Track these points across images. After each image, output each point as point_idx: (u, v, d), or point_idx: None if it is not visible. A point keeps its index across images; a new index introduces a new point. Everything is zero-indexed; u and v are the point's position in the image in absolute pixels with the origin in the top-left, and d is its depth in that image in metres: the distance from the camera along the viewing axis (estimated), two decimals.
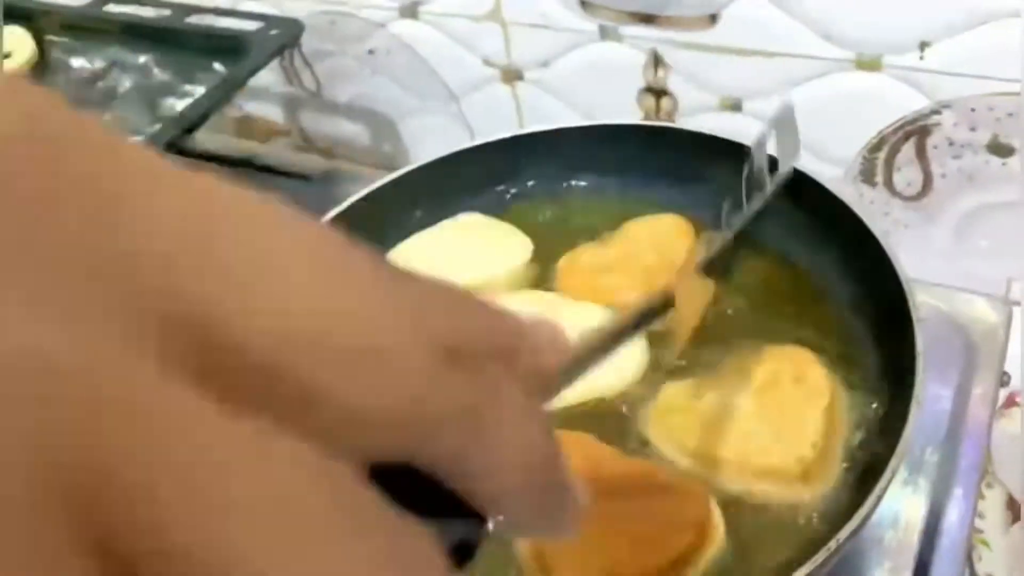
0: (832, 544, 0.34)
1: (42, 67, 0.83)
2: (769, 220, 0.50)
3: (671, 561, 0.37)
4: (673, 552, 0.37)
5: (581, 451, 0.41)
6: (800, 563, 0.33)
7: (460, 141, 0.62)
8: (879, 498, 0.35)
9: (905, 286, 0.42)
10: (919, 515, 0.48)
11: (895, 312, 0.43)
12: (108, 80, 0.82)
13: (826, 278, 0.51)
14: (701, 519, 0.39)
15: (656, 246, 0.54)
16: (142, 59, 0.81)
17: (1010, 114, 0.59)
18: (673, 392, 0.46)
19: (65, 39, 0.85)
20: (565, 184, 0.61)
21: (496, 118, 0.81)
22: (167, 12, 0.82)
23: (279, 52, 0.75)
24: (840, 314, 0.49)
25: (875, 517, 0.37)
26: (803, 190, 0.50)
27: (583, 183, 0.61)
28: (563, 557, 0.37)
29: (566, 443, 0.18)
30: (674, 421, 0.44)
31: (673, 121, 0.72)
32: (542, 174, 0.61)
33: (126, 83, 0.81)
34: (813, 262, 0.52)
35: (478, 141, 0.62)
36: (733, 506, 0.41)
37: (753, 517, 0.41)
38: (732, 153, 0.55)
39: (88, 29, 0.84)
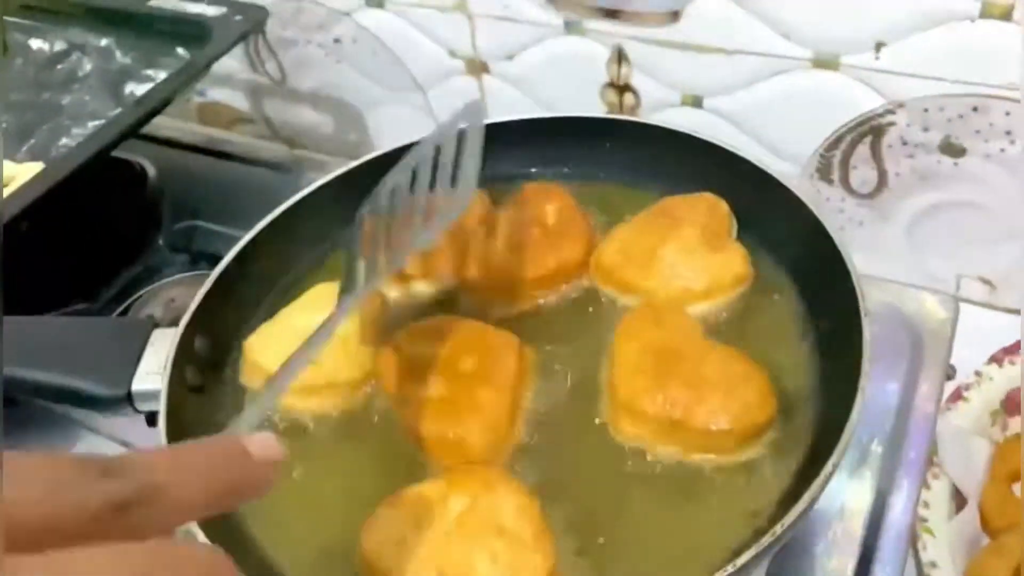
0: (777, 529, 0.35)
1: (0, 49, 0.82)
2: None
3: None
4: None
5: None
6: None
7: (425, 132, 0.62)
8: (823, 485, 0.36)
9: (856, 285, 0.43)
10: (864, 505, 0.49)
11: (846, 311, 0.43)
12: (68, 63, 0.80)
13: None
14: None
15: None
16: (103, 42, 0.80)
17: (961, 116, 0.60)
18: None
19: (24, 20, 0.83)
20: (527, 174, 0.61)
21: None
22: None
23: (242, 38, 0.74)
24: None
25: (821, 506, 0.38)
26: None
27: (546, 174, 0.61)
28: None
29: None
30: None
31: (636, 117, 0.73)
32: (505, 164, 0.62)
33: (87, 66, 0.79)
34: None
35: None
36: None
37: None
38: (693, 148, 0.56)
39: (48, 11, 0.83)
